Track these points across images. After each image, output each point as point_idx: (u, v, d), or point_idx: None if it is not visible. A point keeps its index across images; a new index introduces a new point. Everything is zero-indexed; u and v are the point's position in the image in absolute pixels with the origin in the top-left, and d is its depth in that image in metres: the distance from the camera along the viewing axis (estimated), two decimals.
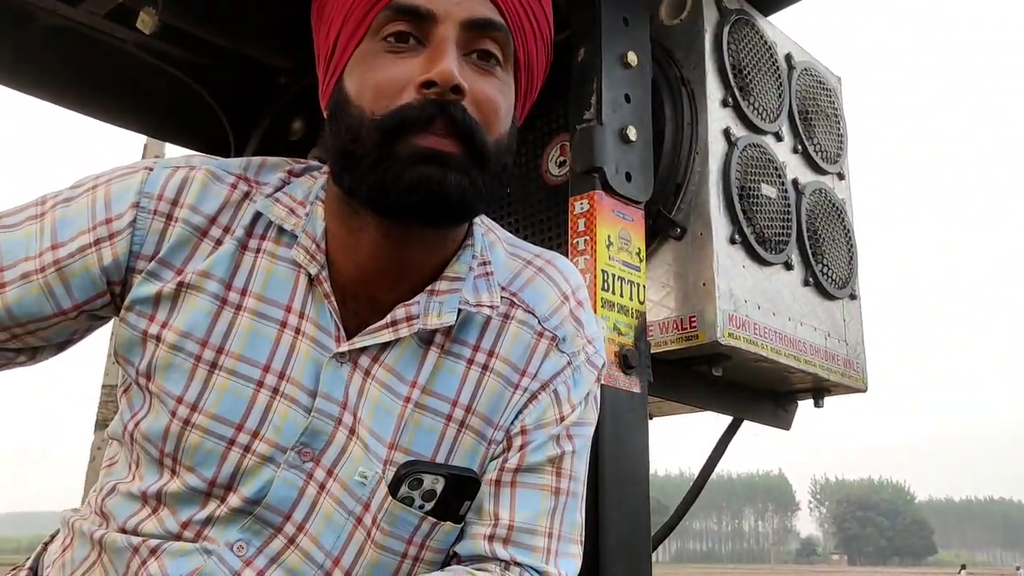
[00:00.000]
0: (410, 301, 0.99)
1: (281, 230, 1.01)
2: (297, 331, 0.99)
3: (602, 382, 1.51)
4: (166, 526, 0.97)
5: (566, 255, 1.60)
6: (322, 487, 0.97)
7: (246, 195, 1.03)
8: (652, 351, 1.74)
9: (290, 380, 0.97)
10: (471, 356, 1.02)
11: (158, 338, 0.98)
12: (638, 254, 1.68)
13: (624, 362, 1.59)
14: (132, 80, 2.37)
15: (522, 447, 1.01)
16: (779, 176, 1.93)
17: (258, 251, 1.01)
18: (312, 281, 1.00)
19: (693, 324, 1.75)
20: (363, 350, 0.98)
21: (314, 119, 2.41)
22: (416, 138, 0.90)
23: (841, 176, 2.17)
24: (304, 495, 0.97)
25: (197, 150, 2.44)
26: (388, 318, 0.98)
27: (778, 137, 1.98)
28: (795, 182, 1.99)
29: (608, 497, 1.51)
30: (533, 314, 1.04)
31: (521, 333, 1.03)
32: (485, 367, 1.01)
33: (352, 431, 0.97)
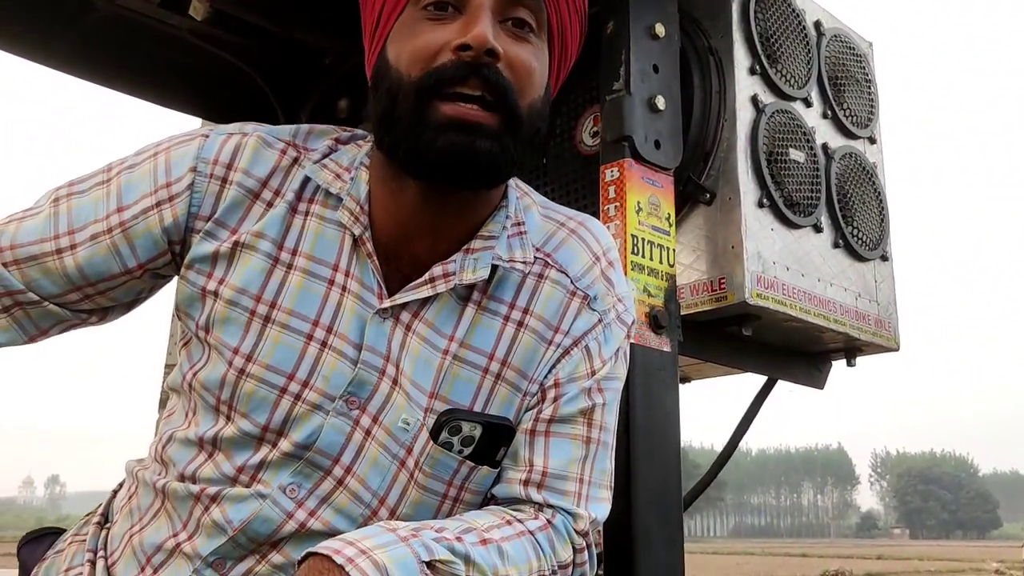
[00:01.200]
0: (447, 260, 1.06)
1: (328, 193, 1.09)
2: (343, 288, 1.06)
3: (633, 341, 1.59)
4: (222, 470, 1.05)
5: (601, 221, 1.67)
6: (368, 433, 1.05)
7: (295, 160, 1.11)
8: (684, 313, 1.81)
9: (337, 334, 1.05)
10: (507, 313, 1.09)
11: (216, 294, 1.07)
12: (668, 219, 1.74)
13: (655, 322, 1.66)
14: (185, 65, 2.49)
15: (556, 399, 1.08)
16: (808, 141, 1.98)
17: (307, 214, 1.08)
18: (356, 242, 1.07)
19: (723, 286, 1.81)
20: (404, 306, 1.06)
21: (359, 98, 2.50)
22: (447, 106, 0.97)
23: (872, 140, 2.20)
24: (351, 440, 1.04)
25: None
26: (427, 275, 1.05)
27: (807, 103, 2.02)
28: (824, 147, 2.03)
29: (640, 452, 1.59)
30: (566, 274, 1.12)
31: (555, 292, 1.10)
32: (520, 324, 1.09)
33: (395, 381, 1.05)
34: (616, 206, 1.68)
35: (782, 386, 2.15)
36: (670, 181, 1.76)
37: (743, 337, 1.87)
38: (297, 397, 1.04)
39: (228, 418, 1.06)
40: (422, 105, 0.97)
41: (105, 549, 1.14)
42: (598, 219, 1.72)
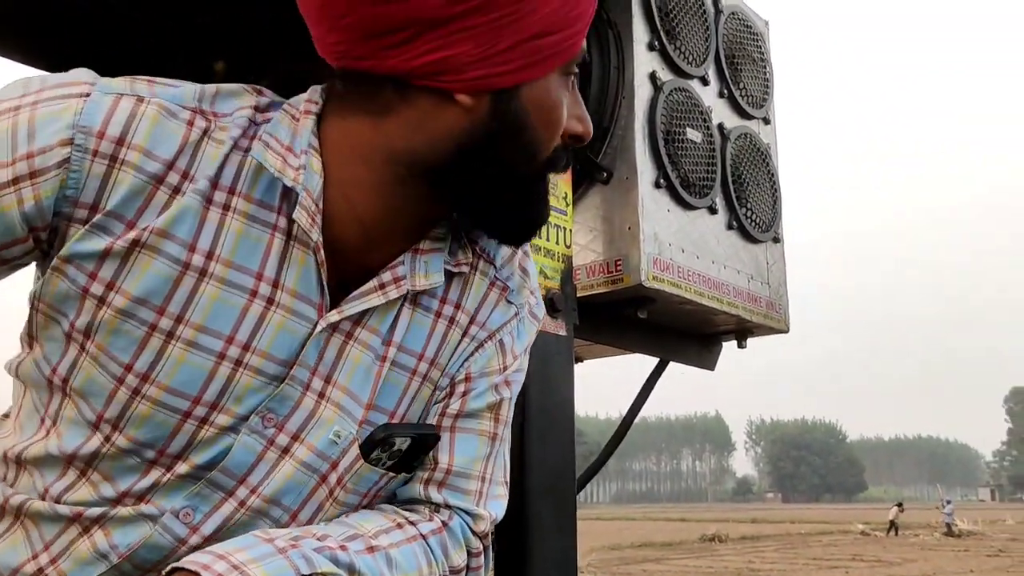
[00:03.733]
0: (394, 262, 0.95)
1: (254, 181, 0.91)
2: (269, 301, 0.91)
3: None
4: (101, 493, 0.91)
5: None
6: (285, 451, 0.93)
7: (205, 132, 0.91)
8: (580, 294, 1.76)
9: (256, 352, 0.91)
10: (439, 309, 1.00)
11: (103, 300, 0.88)
12: (565, 198, 1.69)
13: (551, 306, 1.61)
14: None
15: (464, 393, 1.02)
16: (705, 121, 1.95)
17: (226, 207, 0.90)
18: (288, 244, 0.92)
19: (619, 267, 1.77)
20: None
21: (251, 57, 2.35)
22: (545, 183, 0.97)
23: (767, 121, 2.19)
24: (263, 459, 0.92)
25: None
26: (375, 281, 0.94)
27: (704, 81, 2.00)
28: (720, 126, 2.01)
29: (534, 437, 1.55)
30: (492, 264, 1.05)
31: (481, 284, 1.04)
32: (451, 320, 1.01)
33: (322, 395, 0.93)
34: None
35: (674, 366, 2.14)
36: None
37: (638, 319, 1.84)
38: (203, 421, 0.90)
39: (108, 438, 0.91)
40: (542, 175, 0.96)
41: None
42: None
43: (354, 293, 0.93)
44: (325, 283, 0.92)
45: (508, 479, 1.09)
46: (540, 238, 1.62)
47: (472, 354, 1.02)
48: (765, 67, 2.21)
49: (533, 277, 1.10)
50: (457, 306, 1.01)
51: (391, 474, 0.98)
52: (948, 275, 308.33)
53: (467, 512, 1.01)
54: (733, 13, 2.13)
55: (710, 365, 2.17)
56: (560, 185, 1.68)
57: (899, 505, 36.85)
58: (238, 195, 0.91)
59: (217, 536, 0.92)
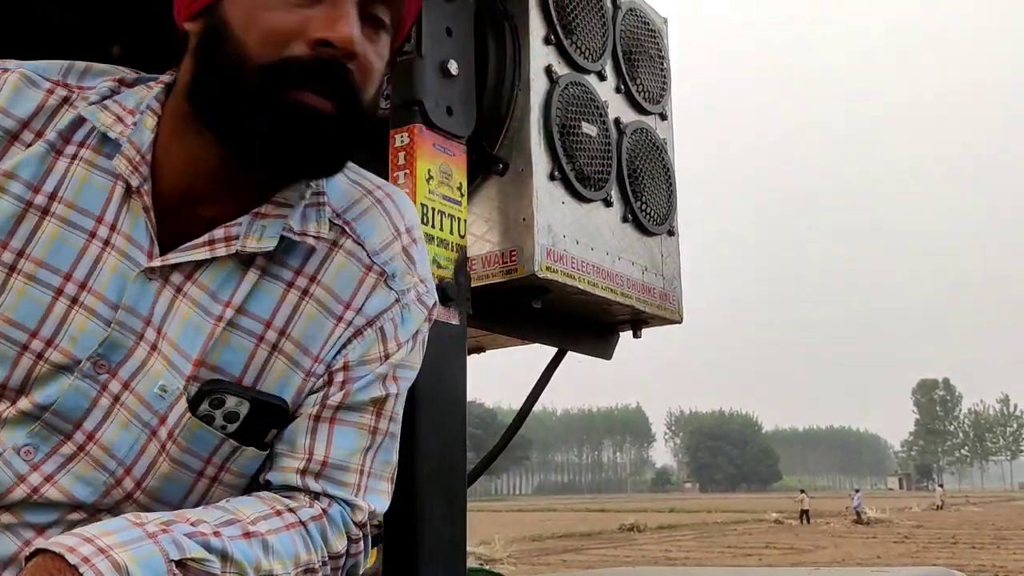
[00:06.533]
0: (233, 222, 0.98)
1: (104, 139, 0.99)
2: (106, 243, 0.98)
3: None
4: None
5: None
6: (116, 399, 0.97)
7: (65, 100, 1.00)
8: (476, 284, 1.78)
9: (91, 291, 0.96)
10: (292, 279, 1.02)
11: None
12: (459, 188, 1.70)
13: (443, 295, 1.62)
14: None
15: (344, 383, 1.02)
16: (601, 115, 1.98)
17: (74, 157, 0.99)
18: (129, 193, 0.98)
19: (513, 258, 1.79)
20: (176, 267, 0.97)
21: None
22: (297, 92, 0.91)
23: (664, 116, 2.24)
24: (97, 405, 0.97)
25: None
26: (206, 236, 0.97)
27: (601, 76, 2.03)
28: (617, 121, 2.05)
29: (424, 428, 1.55)
30: (363, 247, 1.05)
31: (348, 264, 1.04)
32: (305, 292, 1.02)
33: (154, 347, 0.97)
34: (406, 173, 1.63)
35: (573, 356, 2.18)
36: (462, 149, 1.72)
37: (534, 309, 1.87)
38: (39, 356, 0.96)
39: None
40: (269, 93, 0.91)
41: None
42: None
43: (183, 246, 0.98)
44: (153, 231, 0.97)
45: (394, 478, 1.09)
46: (434, 228, 1.63)
47: (350, 341, 1.03)
48: (663, 63, 2.25)
49: (421, 264, 1.10)
50: (312, 279, 1.02)
51: (235, 443, 0.99)
52: (852, 281, 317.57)
53: (346, 502, 1.03)
54: (631, 10, 2.17)
55: (607, 354, 2.21)
56: (455, 175, 1.69)
57: (802, 491, 38.11)
58: (86, 147, 1.00)
59: (58, 478, 0.96)
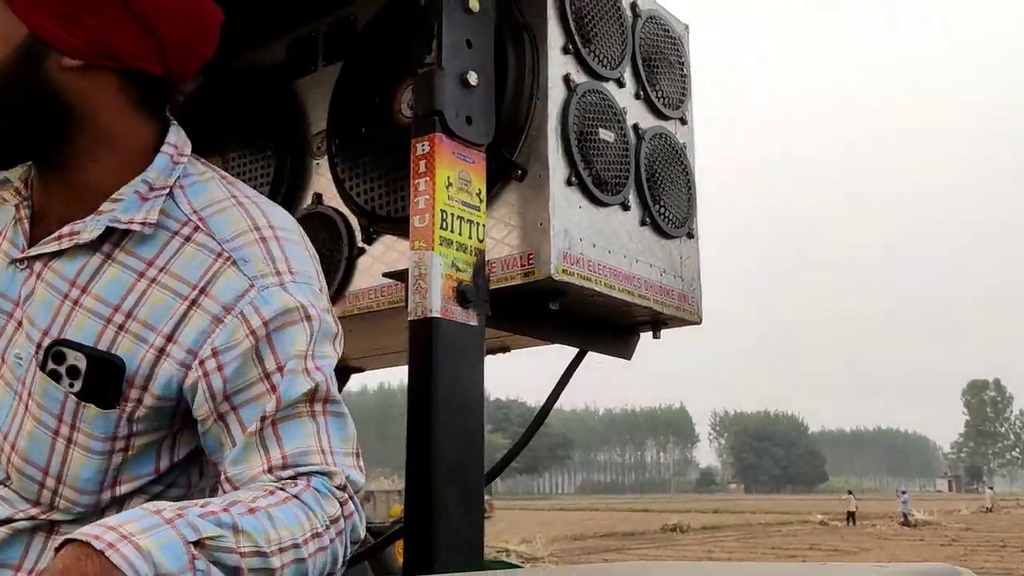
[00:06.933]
0: (78, 221, 1.16)
1: (7, 179, 1.25)
2: None
3: (439, 315, 1.61)
4: None
5: (411, 195, 1.68)
6: None
7: None
8: (496, 287, 1.84)
9: None
10: (143, 270, 1.15)
11: None
12: (478, 194, 1.76)
13: (461, 297, 1.68)
14: None
15: (220, 368, 1.12)
16: (619, 121, 2.03)
17: None
18: (18, 212, 1.22)
19: (531, 261, 1.85)
20: (38, 257, 1.17)
21: None
22: None
23: (684, 121, 2.28)
24: None
25: None
26: (56, 233, 1.17)
27: (620, 83, 2.08)
28: (636, 127, 2.09)
29: (441, 426, 1.60)
30: (213, 237, 1.17)
31: (198, 254, 1.16)
32: (153, 280, 1.15)
33: (20, 324, 1.17)
34: (426, 180, 1.69)
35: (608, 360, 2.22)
36: (481, 157, 1.78)
37: (552, 310, 1.92)
38: None
39: None
40: None
41: None
42: (407, 192, 1.74)
43: (40, 242, 1.18)
44: (25, 235, 1.20)
45: (358, 450, 1.17)
46: (452, 232, 1.69)
47: (214, 330, 1.12)
48: (683, 69, 2.29)
49: (288, 261, 1.18)
50: (162, 269, 1.15)
51: (76, 399, 1.12)
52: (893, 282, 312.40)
53: (321, 472, 1.10)
54: (651, 17, 2.21)
55: (627, 355, 2.25)
56: (474, 182, 1.75)
57: (850, 492, 37.57)
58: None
59: None
